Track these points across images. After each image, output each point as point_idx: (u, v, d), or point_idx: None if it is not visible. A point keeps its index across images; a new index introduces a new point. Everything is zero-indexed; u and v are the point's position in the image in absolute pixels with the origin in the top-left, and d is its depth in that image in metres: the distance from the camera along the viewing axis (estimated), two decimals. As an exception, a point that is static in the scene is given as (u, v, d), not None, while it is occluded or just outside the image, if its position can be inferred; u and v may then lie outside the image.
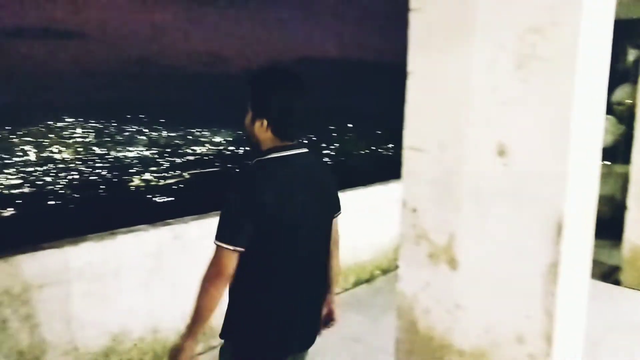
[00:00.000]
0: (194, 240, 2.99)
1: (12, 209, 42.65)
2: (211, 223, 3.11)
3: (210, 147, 75.29)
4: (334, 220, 1.82)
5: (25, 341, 2.38)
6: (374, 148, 67.61)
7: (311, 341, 1.74)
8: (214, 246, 1.46)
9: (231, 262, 1.45)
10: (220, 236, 1.45)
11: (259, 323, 1.56)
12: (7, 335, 2.32)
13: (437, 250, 1.76)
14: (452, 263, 1.72)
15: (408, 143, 1.76)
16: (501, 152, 1.54)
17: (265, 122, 1.51)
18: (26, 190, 49.62)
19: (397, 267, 4.87)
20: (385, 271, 4.66)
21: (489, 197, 1.58)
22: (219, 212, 1.49)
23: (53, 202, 45.00)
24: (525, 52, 1.43)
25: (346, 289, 4.28)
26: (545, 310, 1.41)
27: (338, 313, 1.93)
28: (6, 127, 70.32)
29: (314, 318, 1.75)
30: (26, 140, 67.62)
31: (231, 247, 1.43)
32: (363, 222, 4.34)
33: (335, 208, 1.79)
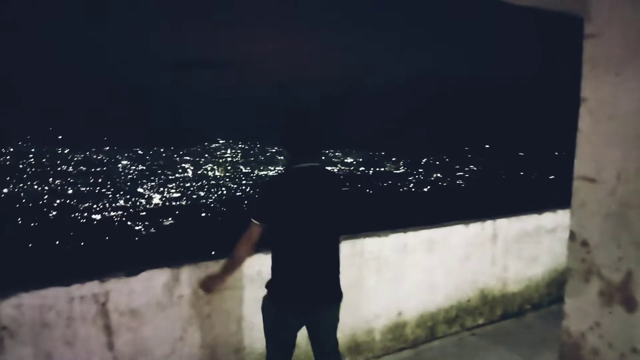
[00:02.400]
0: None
1: (172, 219, 48.67)
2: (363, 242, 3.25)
3: (341, 167, 77.32)
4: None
5: (206, 337, 2.76)
6: (519, 173, 62.60)
7: (320, 300, 2.30)
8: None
9: (255, 231, 2.27)
10: (250, 214, 2.27)
11: (278, 280, 2.29)
12: (192, 330, 2.72)
13: (611, 289, 1.65)
14: (629, 303, 1.60)
15: (580, 172, 1.70)
16: (692, 186, 1.41)
17: (286, 147, 2.29)
18: (184, 202, 56.30)
19: (549, 303, 4.53)
20: (536, 306, 4.35)
21: (677, 235, 1.45)
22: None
23: (204, 214, 50.25)
24: None
25: (492, 322, 4.09)
26: None
27: None
28: (170, 147, 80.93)
29: (323, 283, 2.30)
30: (185, 159, 76.95)
31: (256, 222, 2.26)
32: (511, 252, 4.14)
33: (341, 206, 2.35)
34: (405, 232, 3.55)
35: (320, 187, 2.26)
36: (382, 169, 75.98)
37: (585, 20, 1.73)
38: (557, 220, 4.37)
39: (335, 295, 2.34)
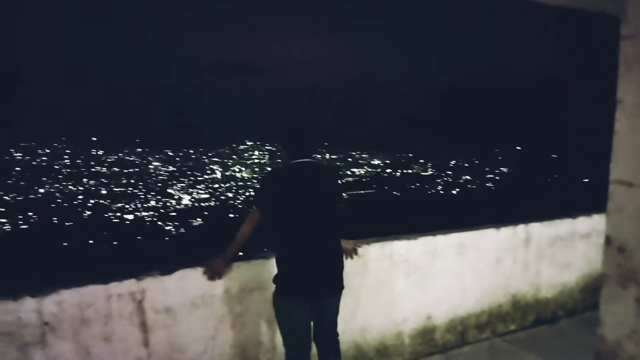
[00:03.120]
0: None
1: (200, 219, 49.49)
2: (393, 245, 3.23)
3: (368, 169, 77.00)
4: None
5: (238, 336, 2.82)
6: (552, 175, 60.79)
7: (325, 292, 2.52)
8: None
9: (255, 217, 2.58)
10: (252, 202, 2.62)
11: (285, 274, 2.48)
12: (224, 329, 2.78)
13: (649, 295, 1.61)
14: (669, 311, 1.55)
15: (616, 176, 1.66)
16: None
17: (284, 147, 2.58)
18: (212, 203, 57.16)
19: (584, 309, 4.42)
20: (570, 313, 4.25)
21: None
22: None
23: (232, 215, 50.90)
24: None
25: (524, 328, 4.02)
26: None
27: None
28: (199, 149, 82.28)
29: (328, 275, 2.52)
30: (214, 161, 78.10)
31: (256, 208, 2.58)
32: (545, 257, 4.05)
33: (336, 197, 2.62)
34: (434, 235, 3.54)
35: (315, 177, 2.52)
36: (410, 171, 75.24)
37: (622, 21, 1.70)
38: (592, 225, 4.25)
39: (339, 286, 2.57)
